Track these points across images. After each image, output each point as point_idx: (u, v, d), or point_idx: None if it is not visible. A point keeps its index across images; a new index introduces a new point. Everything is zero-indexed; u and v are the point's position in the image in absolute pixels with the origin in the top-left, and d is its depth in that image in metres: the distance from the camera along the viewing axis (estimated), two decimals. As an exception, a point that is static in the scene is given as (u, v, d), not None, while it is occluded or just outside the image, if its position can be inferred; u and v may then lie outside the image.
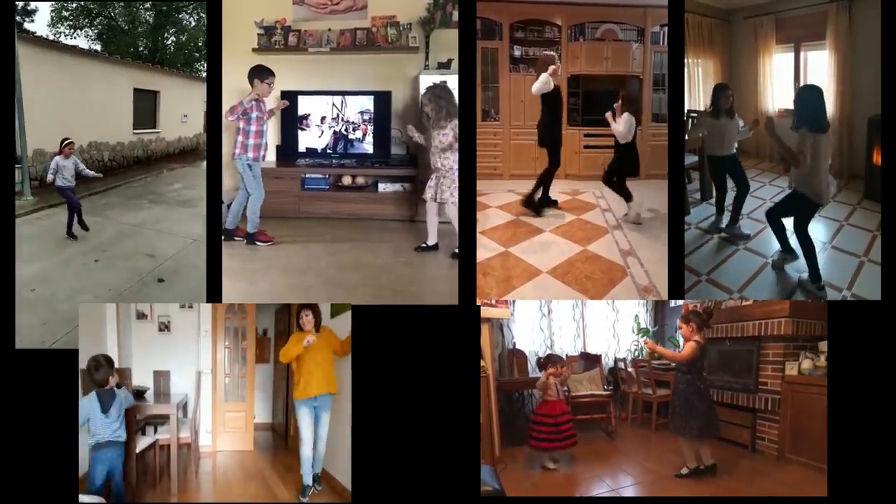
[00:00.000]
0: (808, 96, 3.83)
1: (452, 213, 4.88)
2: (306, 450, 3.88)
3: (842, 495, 3.44)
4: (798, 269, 4.08)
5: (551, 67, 5.37)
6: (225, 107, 4.10)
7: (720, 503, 3.49)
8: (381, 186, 5.87)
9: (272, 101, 5.25)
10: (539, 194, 5.75)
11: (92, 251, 5.12)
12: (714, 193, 4.77)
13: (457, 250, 4.78)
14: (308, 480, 3.88)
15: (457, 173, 4.73)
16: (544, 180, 5.74)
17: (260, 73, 4.97)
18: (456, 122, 4.75)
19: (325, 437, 3.94)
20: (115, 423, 3.36)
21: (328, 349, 3.92)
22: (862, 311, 3.62)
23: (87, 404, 3.32)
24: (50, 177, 5.21)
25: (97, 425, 3.32)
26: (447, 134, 4.84)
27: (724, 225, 4.68)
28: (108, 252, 5.12)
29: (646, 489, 3.78)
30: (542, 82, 5.37)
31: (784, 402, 4.19)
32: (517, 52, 6.72)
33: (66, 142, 5.28)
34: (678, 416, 3.81)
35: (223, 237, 4.96)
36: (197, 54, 6.04)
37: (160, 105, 5.99)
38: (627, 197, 5.63)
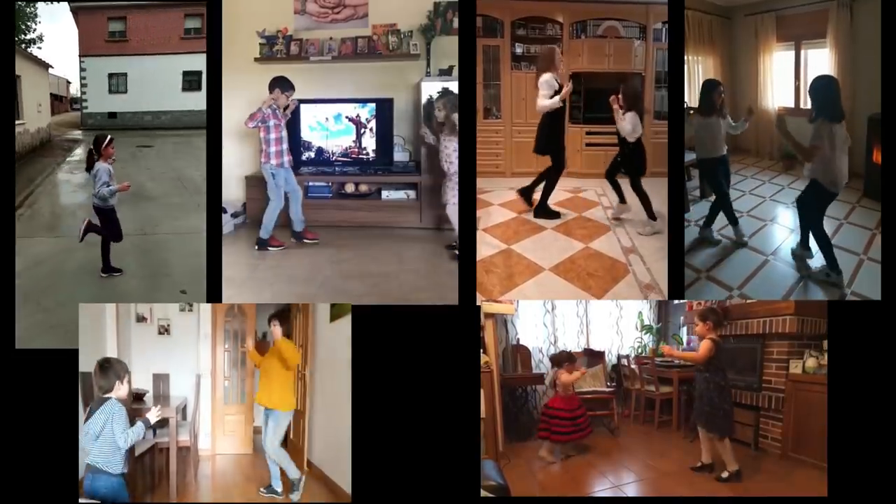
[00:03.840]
0: (825, 86, 3.85)
1: (451, 213, 4.93)
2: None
3: (842, 496, 3.45)
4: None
5: (565, 89, 5.34)
6: (226, 112, 4.09)
7: (722, 502, 3.51)
8: (385, 194, 5.87)
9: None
10: (542, 198, 5.72)
11: (156, 278, 4.17)
12: (714, 198, 4.70)
13: (453, 244, 4.88)
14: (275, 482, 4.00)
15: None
16: (548, 185, 5.69)
17: (283, 85, 5.06)
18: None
19: (268, 447, 4.00)
20: (94, 445, 2.69)
21: (280, 364, 3.98)
22: (862, 310, 3.63)
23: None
24: (107, 193, 4.18)
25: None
26: (454, 140, 4.83)
27: (714, 234, 4.61)
28: (175, 277, 4.13)
29: (648, 486, 3.81)
30: (553, 104, 5.33)
31: (788, 400, 4.20)
32: (518, 50, 6.71)
33: (108, 140, 4.29)
34: (704, 414, 3.82)
35: (257, 247, 5.11)
36: None
37: (22, 92, 5.10)
38: (647, 206, 5.30)
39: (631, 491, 3.72)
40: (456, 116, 4.71)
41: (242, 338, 5.40)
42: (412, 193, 5.81)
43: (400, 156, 6.01)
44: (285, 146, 5.14)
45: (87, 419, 2.73)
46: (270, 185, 5.16)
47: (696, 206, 4.78)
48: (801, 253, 4.14)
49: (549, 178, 5.64)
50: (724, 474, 3.72)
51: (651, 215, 5.25)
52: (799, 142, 3.91)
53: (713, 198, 4.64)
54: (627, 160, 5.45)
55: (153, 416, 2.85)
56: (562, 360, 4.48)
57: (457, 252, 4.69)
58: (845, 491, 3.46)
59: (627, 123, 5.27)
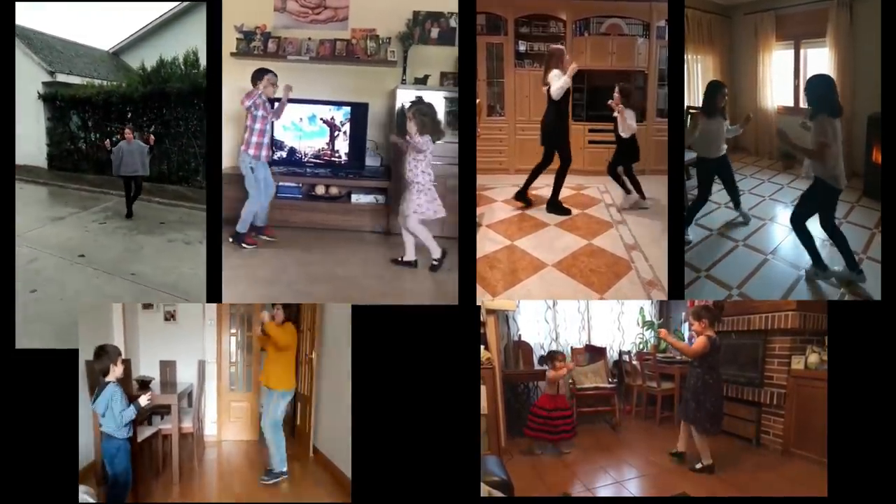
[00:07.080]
0: (823, 83, 3.87)
1: (415, 227, 4.79)
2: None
3: (842, 494, 3.48)
4: (799, 266, 4.11)
5: (572, 66, 5.32)
6: (225, 115, 4.13)
7: (722, 502, 3.54)
8: (355, 197, 5.78)
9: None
10: (553, 193, 5.77)
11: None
12: (696, 197, 4.67)
13: (434, 261, 4.74)
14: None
15: (422, 186, 4.72)
16: (557, 181, 5.73)
17: (259, 75, 4.95)
18: (428, 137, 4.70)
19: (263, 424, 4.35)
20: (102, 419, 3.30)
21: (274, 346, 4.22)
22: (862, 310, 3.64)
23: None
24: None
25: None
26: (419, 146, 4.74)
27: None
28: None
29: (649, 481, 3.84)
30: (564, 81, 5.31)
31: (789, 396, 4.22)
32: (522, 48, 6.72)
33: None
34: (690, 408, 3.92)
35: (231, 240, 4.89)
36: None
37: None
38: (638, 188, 5.79)
39: (632, 486, 3.76)
40: (424, 120, 4.71)
41: (249, 323, 5.41)
42: (381, 198, 5.73)
43: (371, 160, 5.95)
44: (267, 139, 5.02)
45: (93, 400, 3.29)
46: (249, 179, 4.97)
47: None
48: (816, 273, 4.00)
49: (558, 172, 5.68)
50: (698, 465, 3.84)
51: (642, 196, 5.89)
52: (803, 146, 3.93)
53: (711, 197, 4.68)
54: (624, 155, 5.84)
55: (143, 400, 3.35)
56: (547, 359, 4.57)
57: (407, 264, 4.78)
58: (845, 489, 3.49)
59: (629, 120, 5.57)
